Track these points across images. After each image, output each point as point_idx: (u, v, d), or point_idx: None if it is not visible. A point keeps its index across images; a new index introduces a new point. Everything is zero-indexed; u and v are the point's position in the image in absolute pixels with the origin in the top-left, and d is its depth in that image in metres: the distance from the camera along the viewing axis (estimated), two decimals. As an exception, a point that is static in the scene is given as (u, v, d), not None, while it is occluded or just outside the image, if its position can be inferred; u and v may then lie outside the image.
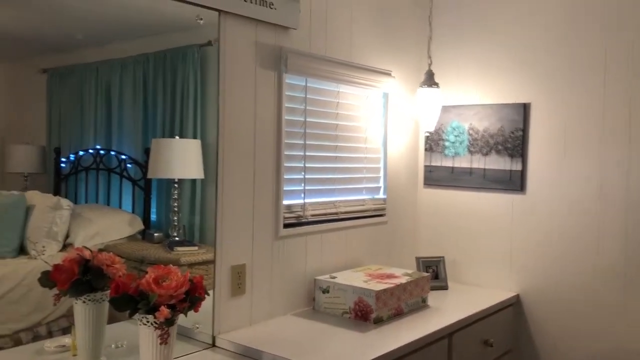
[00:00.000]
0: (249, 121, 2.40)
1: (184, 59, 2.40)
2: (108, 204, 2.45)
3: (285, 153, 2.57)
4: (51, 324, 2.17)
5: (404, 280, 2.69)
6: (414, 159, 3.46)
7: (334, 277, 2.70)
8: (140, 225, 2.44)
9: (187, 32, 2.41)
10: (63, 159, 2.32)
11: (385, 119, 3.20)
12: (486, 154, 3.22)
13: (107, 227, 2.38)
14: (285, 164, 2.58)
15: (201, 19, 2.25)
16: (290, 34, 2.55)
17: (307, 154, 2.71)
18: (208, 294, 1.91)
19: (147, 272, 1.82)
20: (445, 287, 3.18)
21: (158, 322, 1.75)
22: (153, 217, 2.46)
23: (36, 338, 2.11)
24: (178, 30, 2.41)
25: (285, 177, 2.58)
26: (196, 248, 2.40)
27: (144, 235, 2.44)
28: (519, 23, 3.07)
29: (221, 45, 2.28)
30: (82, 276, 1.99)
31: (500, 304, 2.97)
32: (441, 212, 3.41)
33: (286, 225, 2.60)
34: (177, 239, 2.39)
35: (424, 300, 2.81)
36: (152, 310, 1.75)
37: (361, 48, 2.98)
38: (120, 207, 2.45)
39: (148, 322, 1.79)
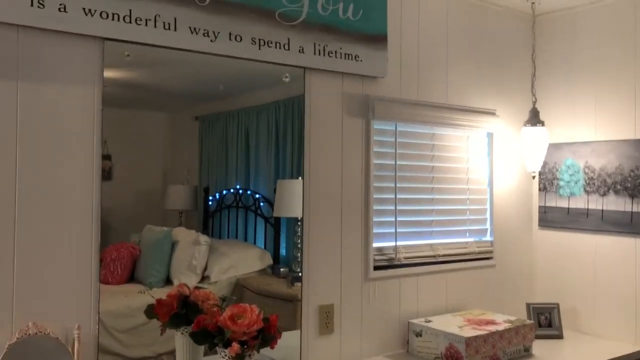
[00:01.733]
0: (335, 166, 2.53)
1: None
2: (245, 240, 2.65)
3: (375, 196, 2.64)
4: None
5: (502, 327, 2.58)
6: (525, 200, 3.31)
7: (429, 321, 2.67)
8: (269, 260, 2.61)
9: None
10: (210, 198, 2.57)
11: (490, 158, 3.13)
12: (604, 194, 2.99)
13: (240, 261, 2.58)
14: (375, 207, 2.65)
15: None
16: (378, 81, 2.65)
17: (399, 196, 2.75)
18: (281, 333, 2.03)
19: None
20: (559, 336, 2.97)
21: (231, 357, 1.90)
22: (283, 252, 2.62)
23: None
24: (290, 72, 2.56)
25: (375, 219, 2.64)
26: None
27: (273, 269, 2.60)
28: (637, 55, 2.85)
29: (306, 97, 2.45)
30: (180, 310, 2.21)
31: (621, 359, 2.70)
32: (557, 255, 3.21)
33: (377, 267, 2.64)
34: (299, 274, 2.51)
35: (527, 349, 2.66)
36: (228, 345, 1.90)
37: (459, 88, 2.98)
38: (254, 242, 2.64)
39: (225, 355, 1.95)
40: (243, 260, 2.60)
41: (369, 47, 2.56)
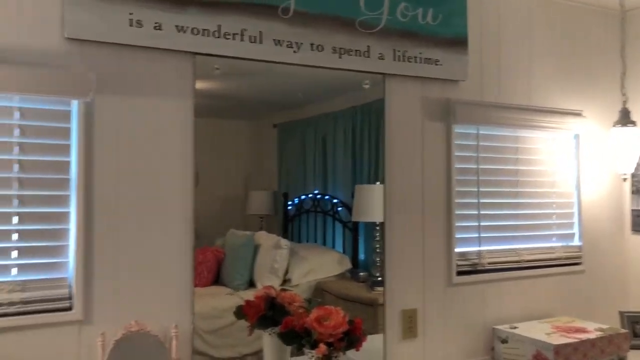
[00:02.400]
0: (416, 170, 2.53)
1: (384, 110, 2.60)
2: (324, 244, 2.72)
3: (457, 201, 2.62)
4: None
5: (593, 335, 2.49)
6: (616, 203, 3.17)
7: (514, 327, 2.61)
8: (348, 265, 2.65)
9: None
10: (289, 203, 2.66)
11: (577, 161, 3.02)
12: (703, 197, 2.82)
13: (319, 265, 2.64)
14: (457, 212, 2.63)
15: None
16: (458, 84, 2.63)
17: (482, 201, 2.71)
18: (366, 335, 2.05)
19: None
20: (656, 347, 2.81)
21: (319, 358, 1.95)
22: (361, 256, 2.66)
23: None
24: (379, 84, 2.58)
25: (457, 224, 2.62)
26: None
27: (352, 274, 2.64)
28: None
29: (386, 103, 2.47)
30: (267, 311, 2.28)
31: None
32: (653, 261, 3.05)
33: (460, 273, 2.62)
34: (378, 279, 2.53)
35: (622, 360, 2.55)
36: (315, 346, 1.95)
37: (543, 89, 2.90)
38: (333, 247, 2.70)
39: (313, 357, 2.00)
40: (322, 264, 2.65)
41: (449, 51, 2.56)
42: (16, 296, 1.82)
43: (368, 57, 2.38)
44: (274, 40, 2.21)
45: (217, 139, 2.41)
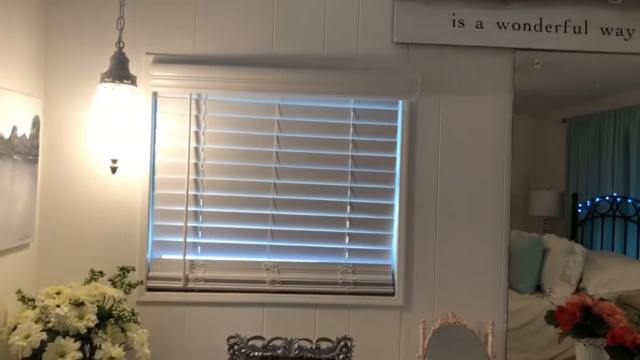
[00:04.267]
0: None
1: None
2: (623, 253, 2.49)
3: None
4: (561, 362, 2.38)
5: None
6: None
7: None
8: None
9: None
10: (580, 205, 2.51)
11: None
12: None
13: (621, 277, 2.43)
14: None
15: None
16: None
17: None
18: None
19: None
20: None
21: (655, 379, 1.75)
22: None
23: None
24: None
25: None
26: None
27: None
28: None
29: None
30: (583, 320, 2.15)
31: None
32: None
33: None
34: None
35: None
36: (649, 366, 1.76)
37: None
38: (637, 257, 2.46)
39: (646, 376, 1.80)
40: (626, 275, 2.41)
41: None
42: (349, 277, 2.03)
43: None
44: (602, 29, 2.04)
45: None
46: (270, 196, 2.04)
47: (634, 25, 2.05)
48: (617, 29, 2.05)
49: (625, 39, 2.06)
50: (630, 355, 1.83)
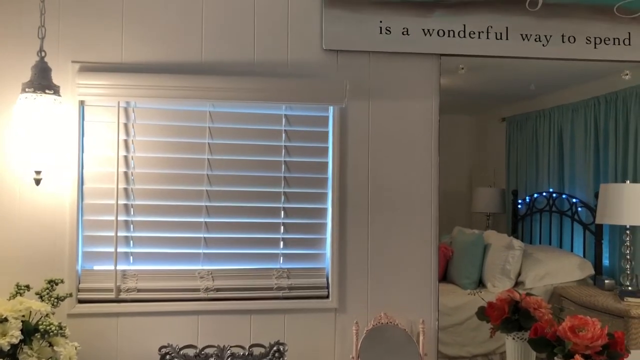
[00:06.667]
0: (689, 171, 2.22)
1: (638, 99, 2.38)
2: (560, 247, 2.59)
3: None
4: (504, 355, 2.44)
5: None
6: None
7: None
8: (590, 270, 2.49)
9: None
10: (520, 201, 2.57)
11: None
12: None
13: (556, 270, 2.52)
14: None
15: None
16: None
17: None
18: (629, 352, 1.87)
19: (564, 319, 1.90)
20: None
21: (575, 369, 1.83)
22: (605, 262, 2.48)
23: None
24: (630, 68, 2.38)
25: None
26: (650, 301, 2.29)
27: (595, 280, 2.47)
28: None
29: (651, 95, 2.22)
30: (511, 315, 2.22)
31: None
32: None
33: None
34: (629, 288, 2.35)
35: None
36: (568, 356, 1.84)
37: None
38: (571, 250, 2.55)
39: (566, 367, 1.89)
40: (560, 268, 2.50)
41: None
42: (284, 282, 2.05)
43: (629, 45, 2.16)
44: (521, 35, 2.13)
45: (441, 134, 2.42)
46: (203, 203, 2.03)
47: (550, 32, 2.14)
48: (536, 35, 2.14)
49: (543, 45, 2.15)
50: (551, 347, 1.91)
